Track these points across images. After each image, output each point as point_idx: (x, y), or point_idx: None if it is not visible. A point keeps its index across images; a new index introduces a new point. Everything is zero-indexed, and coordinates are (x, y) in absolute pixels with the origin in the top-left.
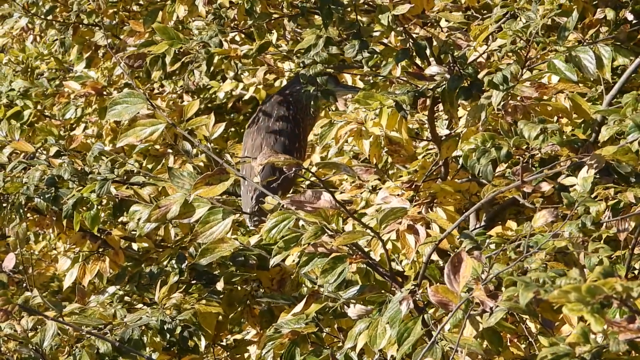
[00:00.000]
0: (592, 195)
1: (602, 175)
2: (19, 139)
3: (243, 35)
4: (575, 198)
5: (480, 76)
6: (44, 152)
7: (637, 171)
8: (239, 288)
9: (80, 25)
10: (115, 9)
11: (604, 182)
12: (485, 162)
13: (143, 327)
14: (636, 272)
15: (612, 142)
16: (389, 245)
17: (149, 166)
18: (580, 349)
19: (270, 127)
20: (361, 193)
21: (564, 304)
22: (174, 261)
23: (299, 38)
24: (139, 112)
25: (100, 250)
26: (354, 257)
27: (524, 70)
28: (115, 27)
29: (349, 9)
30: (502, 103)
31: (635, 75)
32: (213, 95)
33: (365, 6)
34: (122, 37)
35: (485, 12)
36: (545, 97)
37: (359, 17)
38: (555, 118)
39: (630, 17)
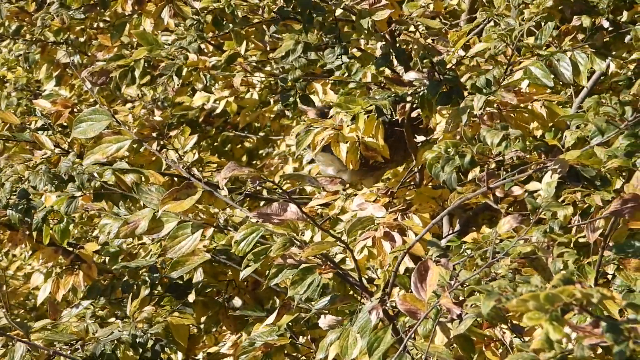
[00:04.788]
0: (560, 200)
1: (571, 180)
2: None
3: (211, 48)
4: (539, 203)
5: (462, 80)
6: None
7: (602, 175)
8: (213, 299)
9: (48, 44)
10: (82, 26)
11: (573, 186)
12: (449, 169)
13: (115, 342)
14: (609, 277)
15: (582, 145)
16: (365, 252)
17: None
18: (544, 355)
19: None
20: (336, 199)
21: (523, 312)
22: (146, 274)
23: (270, 49)
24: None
25: (74, 263)
26: (324, 267)
27: (506, 74)
28: (84, 44)
29: (328, 14)
30: (482, 108)
31: (604, 78)
32: (184, 111)
33: (347, 13)
34: (90, 53)
35: (451, 19)
36: (522, 105)
37: (338, 23)
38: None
39: (606, 24)
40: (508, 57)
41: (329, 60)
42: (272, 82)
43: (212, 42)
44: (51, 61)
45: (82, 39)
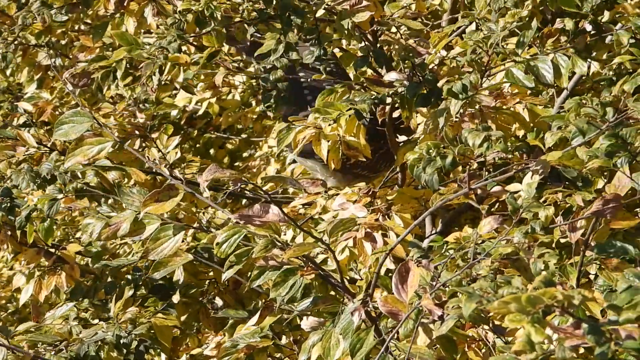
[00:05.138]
0: (541, 200)
1: (553, 180)
2: None
3: (193, 49)
4: (520, 204)
5: (439, 84)
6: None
7: (583, 175)
8: (195, 298)
9: (30, 47)
10: (63, 29)
11: (554, 187)
12: (430, 171)
13: (99, 343)
14: (591, 277)
15: (564, 146)
16: (347, 253)
17: None
18: (526, 357)
19: None
20: (318, 199)
21: (505, 314)
22: (128, 274)
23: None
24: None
25: (56, 265)
26: (306, 269)
27: (483, 79)
28: (65, 46)
29: (309, 15)
30: (460, 111)
31: (585, 79)
32: (166, 112)
33: (328, 14)
34: (71, 55)
35: (433, 19)
36: (504, 107)
37: (320, 24)
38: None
39: (588, 27)
40: (486, 63)
41: (308, 62)
42: (254, 84)
43: (194, 43)
44: (32, 64)
45: (63, 42)
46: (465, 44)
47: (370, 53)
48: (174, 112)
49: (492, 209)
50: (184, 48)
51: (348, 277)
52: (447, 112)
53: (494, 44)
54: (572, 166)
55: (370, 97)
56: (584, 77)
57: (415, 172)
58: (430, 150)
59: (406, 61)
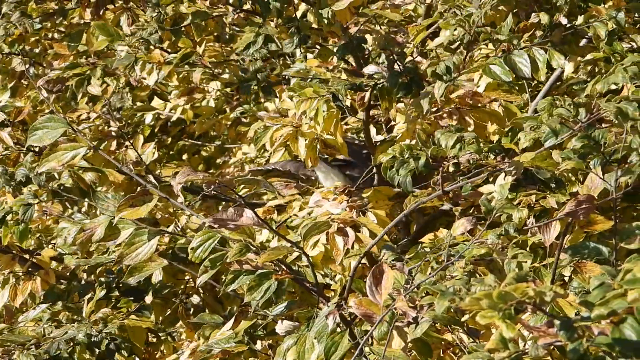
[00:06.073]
0: (515, 202)
1: (527, 182)
2: None
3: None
4: (493, 205)
5: (422, 67)
6: None
7: (556, 177)
8: (171, 300)
9: (3, 55)
10: (37, 37)
11: (528, 189)
12: (404, 172)
13: (72, 343)
14: (566, 279)
15: (538, 147)
16: (320, 248)
17: None
18: (499, 355)
19: None
20: (294, 200)
21: (477, 311)
22: (102, 276)
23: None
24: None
25: (31, 270)
26: (280, 273)
27: (465, 61)
28: (39, 55)
29: (286, 7)
30: (440, 100)
31: (560, 83)
32: (140, 119)
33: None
34: (45, 63)
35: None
36: (480, 105)
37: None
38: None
39: (564, 21)
40: (467, 44)
41: (288, 50)
42: (228, 91)
43: (169, 50)
44: (6, 72)
45: (37, 50)
46: (447, 23)
47: (352, 41)
48: (148, 119)
49: (467, 212)
50: (158, 51)
51: (323, 272)
52: (431, 96)
53: (477, 21)
54: (546, 167)
55: (347, 83)
56: (559, 82)
57: (389, 174)
58: (404, 152)
59: (385, 50)
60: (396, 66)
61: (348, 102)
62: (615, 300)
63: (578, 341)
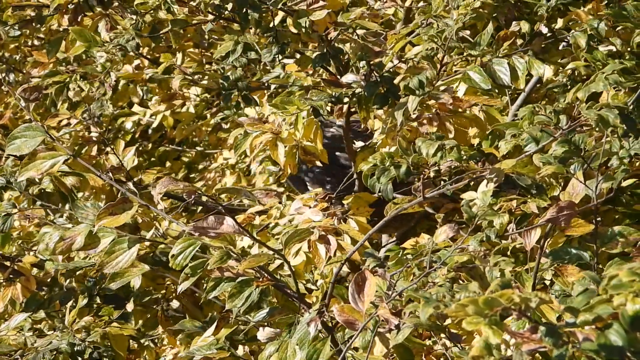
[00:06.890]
0: (496, 208)
1: (508, 188)
2: None
3: (147, 62)
4: (475, 212)
5: (396, 81)
6: None
7: (537, 183)
8: (152, 307)
9: None
10: (16, 44)
11: (510, 194)
12: (385, 180)
13: (55, 353)
14: (547, 282)
15: (519, 153)
16: (302, 257)
17: None
18: None
19: None
20: (273, 207)
21: (462, 318)
22: (84, 283)
23: (206, 62)
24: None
25: (12, 277)
26: (261, 280)
27: (439, 75)
28: (18, 62)
29: (265, 14)
30: (417, 109)
31: (540, 86)
32: (121, 125)
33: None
34: (25, 70)
35: (387, 30)
36: (460, 110)
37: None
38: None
39: (544, 30)
40: (442, 58)
41: (266, 59)
42: (208, 96)
43: (148, 56)
44: None
45: (16, 57)
46: (420, 39)
47: (328, 52)
48: (128, 125)
49: (439, 220)
50: (137, 62)
51: (305, 281)
52: (405, 109)
53: (449, 37)
54: (526, 174)
55: (327, 96)
56: (539, 85)
57: (369, 182)
58: (384, 160)
59: (363, 61)
60: (373, 76)
61: (328, 108)
62: (600, 306)
63: (564, 347)
